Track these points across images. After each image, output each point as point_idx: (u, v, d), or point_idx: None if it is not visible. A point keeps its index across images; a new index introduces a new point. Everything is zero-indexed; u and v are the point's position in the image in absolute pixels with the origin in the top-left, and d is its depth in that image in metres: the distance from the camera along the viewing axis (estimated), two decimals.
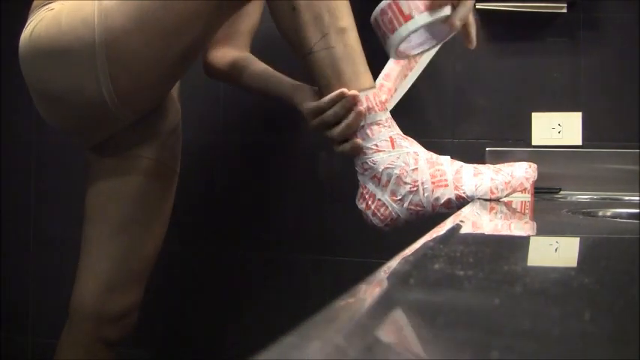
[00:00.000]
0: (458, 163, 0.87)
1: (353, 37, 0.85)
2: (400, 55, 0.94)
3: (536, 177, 0.89)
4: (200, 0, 0.87)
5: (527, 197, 0.94)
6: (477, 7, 1.27)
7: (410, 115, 1.30)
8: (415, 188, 0.84)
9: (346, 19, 0.84)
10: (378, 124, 0.85)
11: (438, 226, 0.54)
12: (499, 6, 1.27)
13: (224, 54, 1.17)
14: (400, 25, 0.84)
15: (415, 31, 0.85)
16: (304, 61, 0.86)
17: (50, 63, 0.92)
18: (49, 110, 1.00)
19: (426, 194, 0.84)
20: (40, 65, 0.94)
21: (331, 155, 1.40)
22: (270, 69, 1.10)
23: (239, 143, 1.47)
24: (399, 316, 0.25)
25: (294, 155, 1.43)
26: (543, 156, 1.26)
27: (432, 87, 1.34)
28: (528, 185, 0.87)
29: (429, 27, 0.88)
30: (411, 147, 0.86)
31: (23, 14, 1.01)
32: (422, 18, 0.83)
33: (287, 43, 0.91)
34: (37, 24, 0.93)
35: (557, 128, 1.29)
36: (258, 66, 1.11)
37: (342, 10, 0.84)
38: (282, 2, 0.85)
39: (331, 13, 0.83)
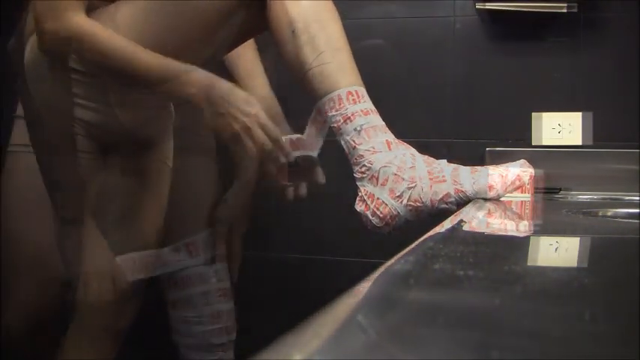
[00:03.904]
0: (455, 165, 0.88)
1: (347, 55, 0.91)
2: None
3: (533, 172, 0.89)
4: (204, 22, 0.91)
5: (527, 197, 0.94)
6: (477, 7, 1.27)
7: (410, 115, 1.30)
8: (414, 184, 0.85)
9: (341, 40, 0.91)
10: (374, 128, 0.87)
11: (438, 225, 0.55)
12: (499, 6, 1.27)
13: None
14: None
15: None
16: (303, 81, 0.91)
17: (59, 74, 0.95)
18: (53, 117, 1.02)
19: (424, 189, 0.84)
20: (47, 77, 0.97)
21: (331, 155, 1.39)
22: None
23: None
24: (399, 316, 0.25)
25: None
26: (543, 156, 1.26)
27: (432, 87, 1.34)
28: (526, 179, 0.87)
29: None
30: (408, 150, 0.88)
31: (21, 15, 1.01)
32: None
33: (289, 68, 0.94)
34: None
35: (557, 128, 1.29)
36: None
37: (337, 31, 0.90)
38: (283, 27, 0.91)
39: (326, 34, 0.89)
